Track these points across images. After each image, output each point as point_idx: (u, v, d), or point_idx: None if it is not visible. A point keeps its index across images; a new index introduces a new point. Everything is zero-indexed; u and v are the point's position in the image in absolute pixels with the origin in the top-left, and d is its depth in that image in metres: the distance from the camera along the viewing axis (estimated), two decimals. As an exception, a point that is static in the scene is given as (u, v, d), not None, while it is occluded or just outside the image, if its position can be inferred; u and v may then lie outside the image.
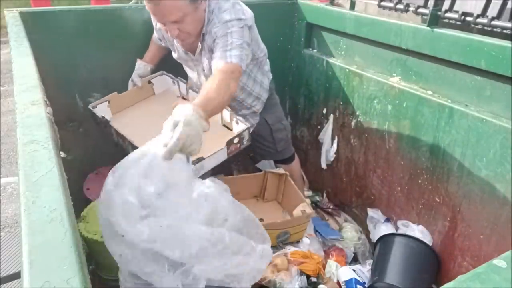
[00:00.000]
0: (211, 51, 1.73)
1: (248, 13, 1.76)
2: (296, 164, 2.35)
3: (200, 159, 1.51)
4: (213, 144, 1.57)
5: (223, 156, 1.61)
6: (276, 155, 2.23)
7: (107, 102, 1.93)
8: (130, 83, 2.02)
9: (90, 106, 1.88)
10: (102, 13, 2.07)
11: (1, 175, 3.22)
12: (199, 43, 1.78)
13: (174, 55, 2.00)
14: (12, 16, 1.83)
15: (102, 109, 1.90)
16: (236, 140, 1.62)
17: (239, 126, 1.71)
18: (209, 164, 1.57)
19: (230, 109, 1.73)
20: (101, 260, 1.79)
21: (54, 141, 0.91)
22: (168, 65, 2.10)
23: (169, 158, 1.15)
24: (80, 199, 2.04)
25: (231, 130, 1.76)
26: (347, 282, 1.87)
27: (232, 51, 1.61)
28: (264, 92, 2.03)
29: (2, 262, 2.15)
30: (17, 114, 1.00)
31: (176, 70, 2.05)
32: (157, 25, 1.91)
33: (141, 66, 2.02)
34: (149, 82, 2.05)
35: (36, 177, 0.77)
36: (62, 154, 1.00)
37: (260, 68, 1.99)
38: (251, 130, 1.96)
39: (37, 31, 1.83)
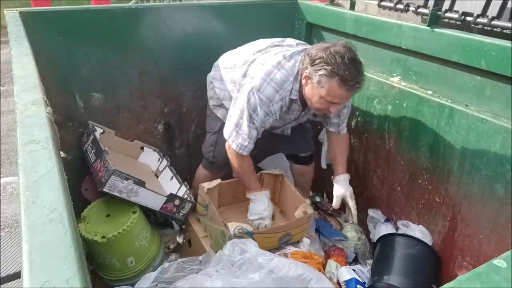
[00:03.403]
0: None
1: None
2: (312, 166, 2.35)
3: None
4: None
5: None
6: (306, 146, 2.22)
7: (102, 130, 2.10)
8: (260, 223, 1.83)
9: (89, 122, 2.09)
10: (102, 13, 2.07)
11: (1, 175, 3.21)
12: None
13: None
14: (12, 16, 1.82)
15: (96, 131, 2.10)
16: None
17: None
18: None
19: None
20: (100, 260, 1.79)
21: (54, 141, 0.91)
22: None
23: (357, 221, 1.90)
24: (80, 199, 2.04)
25: None
26: (347, 282, 1.87)
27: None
28: None
29: (2, 262, 2.15)
30: (17, 114, 0.99)
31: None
32: (264, 123, 1.75)
33: (266, 195, 1.88)
34: (142, 148, 2.26)
35: (36, 177, 0.76)
36: (62, 154, 1.00)
37: None
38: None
39: (37, 31, 1.83)
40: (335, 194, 1.85)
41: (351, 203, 1.84)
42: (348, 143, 2.02)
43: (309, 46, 1.83)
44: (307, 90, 1.66)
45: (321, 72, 1.55)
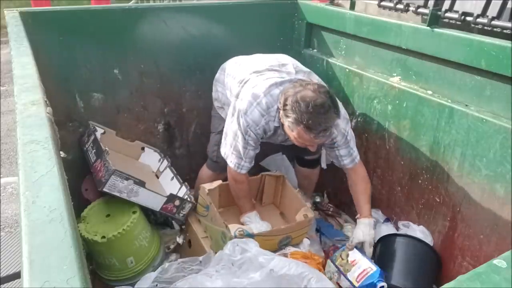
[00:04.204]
0: None
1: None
2: (317, 169, 2.35)
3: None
4: None
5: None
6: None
7: (102, 131, 2.09)
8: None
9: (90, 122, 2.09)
10: (102, 13, 2.07)
11: (1, 175, 3.22)
12: None
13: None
14: (12, 16, 1.82)
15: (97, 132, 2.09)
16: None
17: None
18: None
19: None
20: (100, 260, 1.79)
21: (54, 141, 0.91)
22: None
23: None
24: (80, 199, 2.04)
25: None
26: (347, 282, 1.87)
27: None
28: None
29: (2, 262, 2.15)
30: (17, 114, 0.99)
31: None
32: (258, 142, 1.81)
33: (257, 215, 1.95)
34: (143, 148, 2.25)
35: (36, 177, 0.76)
36: (62, 154, 1.00)
37: None
38: None
39: (37, 31, 1.83)
40: (354, 237, 1.82)
41: (367, 251, 1.80)
42: (368, 180, 1.96)
43: (306, 75, 1.85)
44: (284, 128, 1.69)
45: (288, 119, 1.59)
